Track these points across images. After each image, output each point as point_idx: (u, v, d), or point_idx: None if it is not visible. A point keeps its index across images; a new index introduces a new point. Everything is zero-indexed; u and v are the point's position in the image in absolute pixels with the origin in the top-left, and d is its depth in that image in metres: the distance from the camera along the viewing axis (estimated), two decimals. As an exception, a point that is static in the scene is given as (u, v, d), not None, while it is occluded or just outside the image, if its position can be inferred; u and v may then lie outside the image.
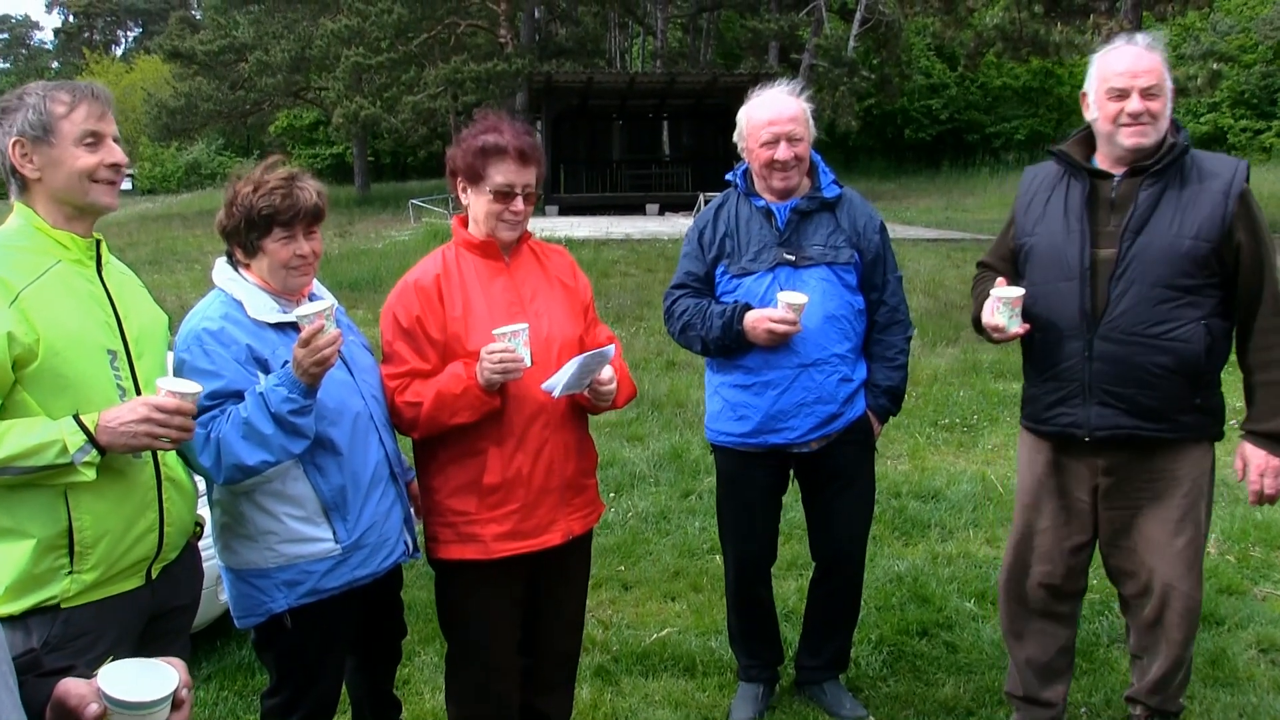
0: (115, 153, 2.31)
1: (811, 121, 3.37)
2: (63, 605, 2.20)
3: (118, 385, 2.26)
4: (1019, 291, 2.99)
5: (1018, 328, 3.00)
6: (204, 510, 2.64)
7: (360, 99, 29.57)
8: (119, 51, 72.90)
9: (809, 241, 3.35)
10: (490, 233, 2.83)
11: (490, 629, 2.90)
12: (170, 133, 37.33)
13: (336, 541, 2.60)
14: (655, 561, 5.05)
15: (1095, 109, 2.99)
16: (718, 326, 3.32)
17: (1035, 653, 3.29)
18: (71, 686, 1.48)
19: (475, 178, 2.79)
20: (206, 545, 2.70)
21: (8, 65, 74.93)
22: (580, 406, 2.90)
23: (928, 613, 4.36)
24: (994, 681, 3.75)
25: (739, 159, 3.50)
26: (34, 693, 1.46)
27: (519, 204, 2.80)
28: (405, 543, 2.82)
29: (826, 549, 3.62)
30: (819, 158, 3.48)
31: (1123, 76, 2.90)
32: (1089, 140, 3.09)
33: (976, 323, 3.17)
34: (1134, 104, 2.88)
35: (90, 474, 2.13)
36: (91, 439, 2.12)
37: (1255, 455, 2.96)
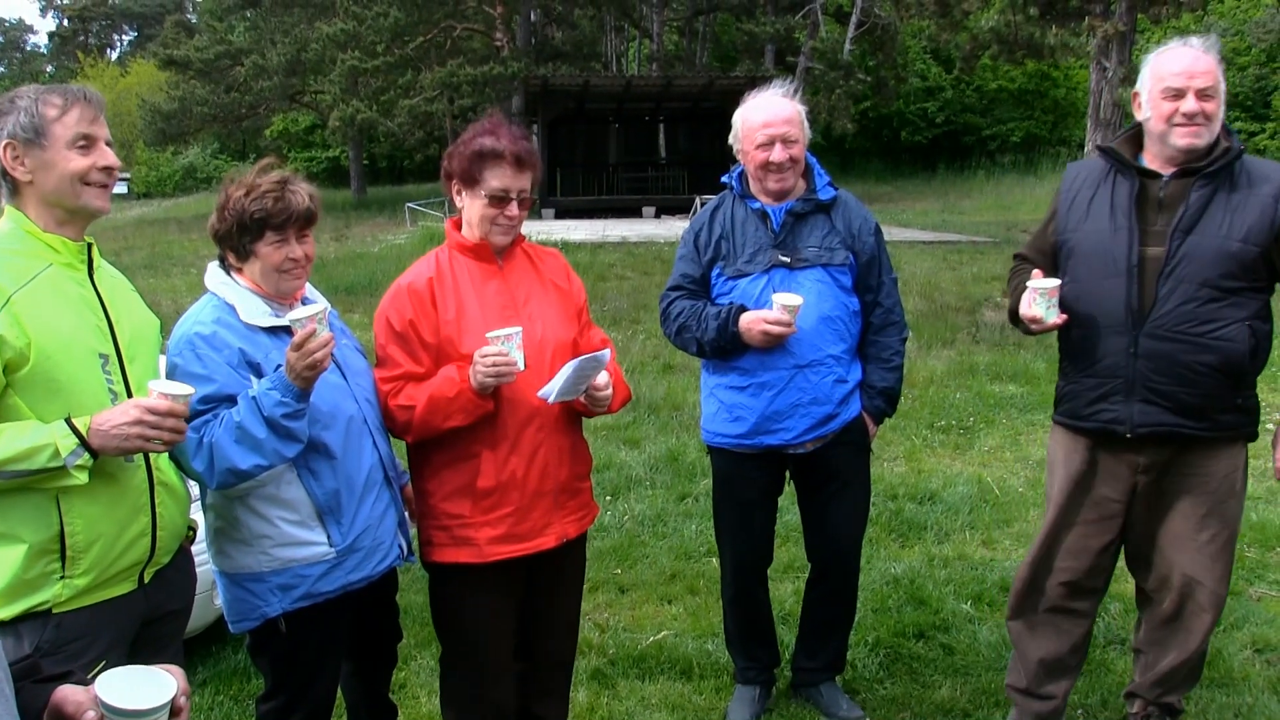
0: (107, 156, 2.30)
1: (806, 124, 3.38)
2: (55, 610, 2.19)
3: (109, 389, 2.25)
4: (1055, 282, 3.00)
5: (1055, 318, 3.00)
6: (197, 514, 2.63)
7: (356, 102, 29.59)
8: (114, 55, 72.86)
9: (804, 243, 3.36)
10: (484, 237, 2.83)
11: (485, 632, 2.89)
12: (165, 137, 37.33)
13: (331, 545, 2.60)
14: (652, 564, 5.05)
15: (1148, 108, 2.99)
16: (713, 328, 3.33)
17: (1048, 648, 3.29)
18: (69, 693, 1.48)
19: (471, 182, 2.79)
20: (200, 550, 2.69)
21: (1, 69, 74.90)
22: (574, 410, 2.89)
23: (924, 615, 4.36)
24: (990, 683, 3.75)
25: (735, 162, 3.51)
26: (31, 699, 1.46)
27: (514, 209, 2.79)
28: (400, 546, 2.82)
29: (823, 551, 3.61)
30: (814, 160, 3.49)
31: (1179, 76, 2.90)
32: (1136, 139, 3.10)
33: (1013, 315, 3.17)
34: (1189, 104, 2.88)
35: (83, 477, 2.13)
36: (84, 442, 2.11)
37: None
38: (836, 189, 3.46)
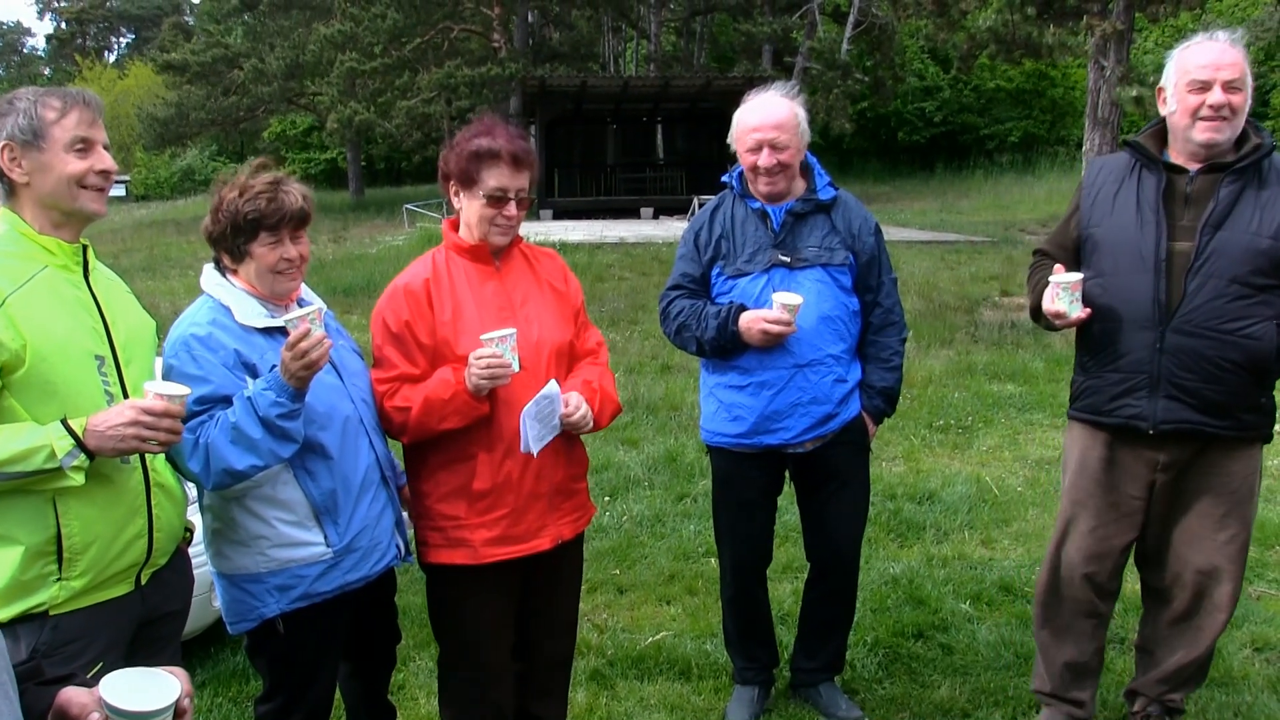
0: (105, 159, 2.31)
1: (803, 126, 3.36)
2: (51, 612, 2.19)
3: (105, 391, 2.25)
4: (1078, 276, 2.99)
5: (1079, 313, 2.99)
6: (194, 516, 2.63)
7: (354, 104, 29.58)
8: (112, 58, 72.83)
9: (804, 243, 3.36)
10: (483, 237, 2.82)
11: (482, 633, 2.89)
12: (163, 141, 37.32)
13: (328, 545, 2.60)
14: (650, 565, 5.05)
15: (1174, 102, 2.97)
16: (713, 327, 3.33)
17: (1074, 652, 3.28)
18: (73, 695, 1.48)
19: (468, 182, 2.78)
20: (198, 552, 2.69)
21: (0, 72, 74.84)
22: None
23: (923, 614, 4.36)
24: (990, 683, 3.75)
25: (733, 162, 3.50)
26: (35, 701, 1.46)
27: (512, 209, 2.79)
28: (397, 546, 2.82)
29: (822, 550, 3.61)
30: (815, 160, 3.49)
31: (1206, 69, 2.88)
32: (1161, 135, 3.08)
33: (1034, 311, 3.16)
34: (1216, 96, 2.86)
35: (79, 478, 2.12)
36: (80, 443, 2.11)
37: None
38: (837, 189, 3.45)
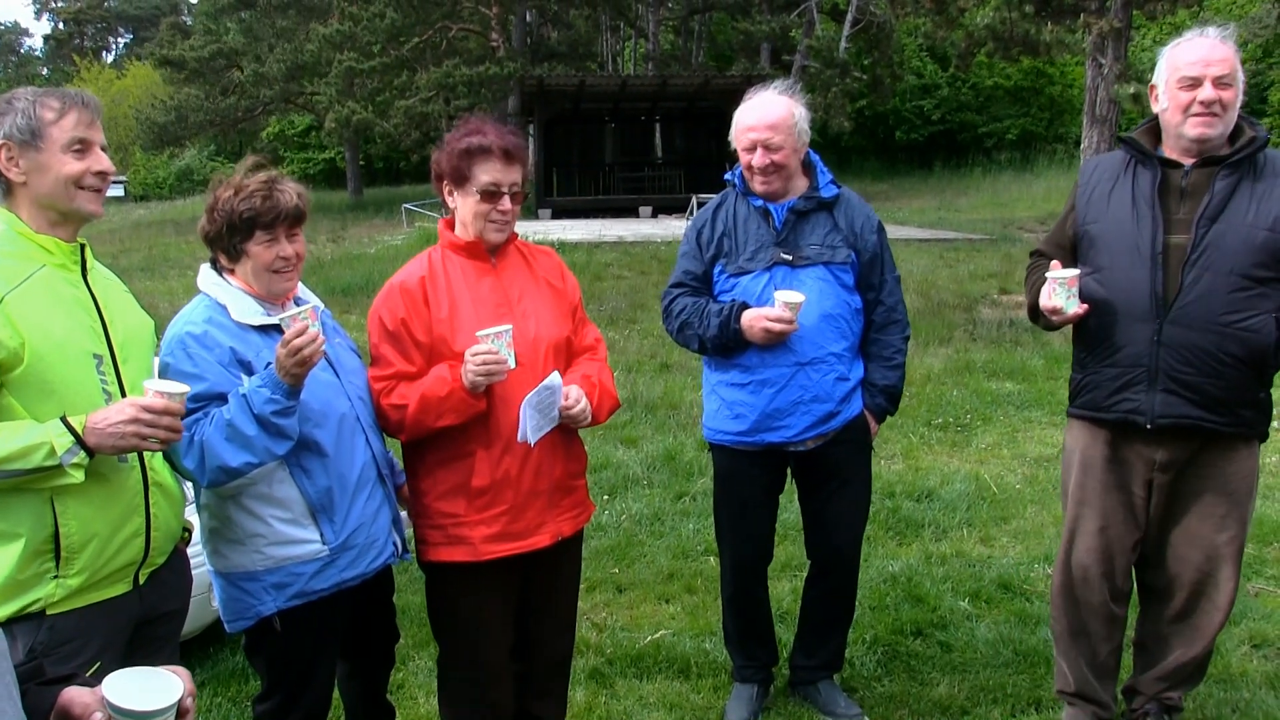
0: (102, 160, 2.31)
1: (802, 126, 3.35)
2: (48, 611, 2.19)
3: (104, 390, 2.26)
4: (1075, 272, 2.99)
5: (1076, 309, 2.99)
6: (192, 516, 2.63)
7: (352, 104, 29.54)
8: (109, 58, 72.75)
9: (806, 241, 3.36)
10: (479, 234, 2.82)
11: (482, 631, 2.89)
12: (161, 143, 37.28)
13: (324, 543, 2.60)
14: (649, 564, 5.05)
15: (1165, 99, 2.98)
16: (715, 325, 3.33)
17: (1095, 652, 3.27)
18: (75, 695, 1.48)
19: (461, 179, 2.79)
20: (197, 552, 2.69)
21: (-3, 72, 74.76)
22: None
23: (922, 612, 4.36)
24: (988, 680, 3.75)
25: (732, 160, 3.50)
26: (37, 701, 1.46)
27: (506, 203, 2.79)
28: (394, 544, 2.82)
29: (822, 548, 3.61)
30: (817, 157, 3.48)
31: (1196, 65, 2.89)
32: (1155, 132, 3.09)
33: (1033, 311, 3.16)
34: (1206, 91, 2.87)
35: (79, 476, 2.13)
36: (79, 440, 2.11)
37: None
38: (839, 187, 3.45)
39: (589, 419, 2.85)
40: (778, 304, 3.20)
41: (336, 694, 2.96)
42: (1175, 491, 3.08)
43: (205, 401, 2.45)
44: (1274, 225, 2.86)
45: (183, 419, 2.29)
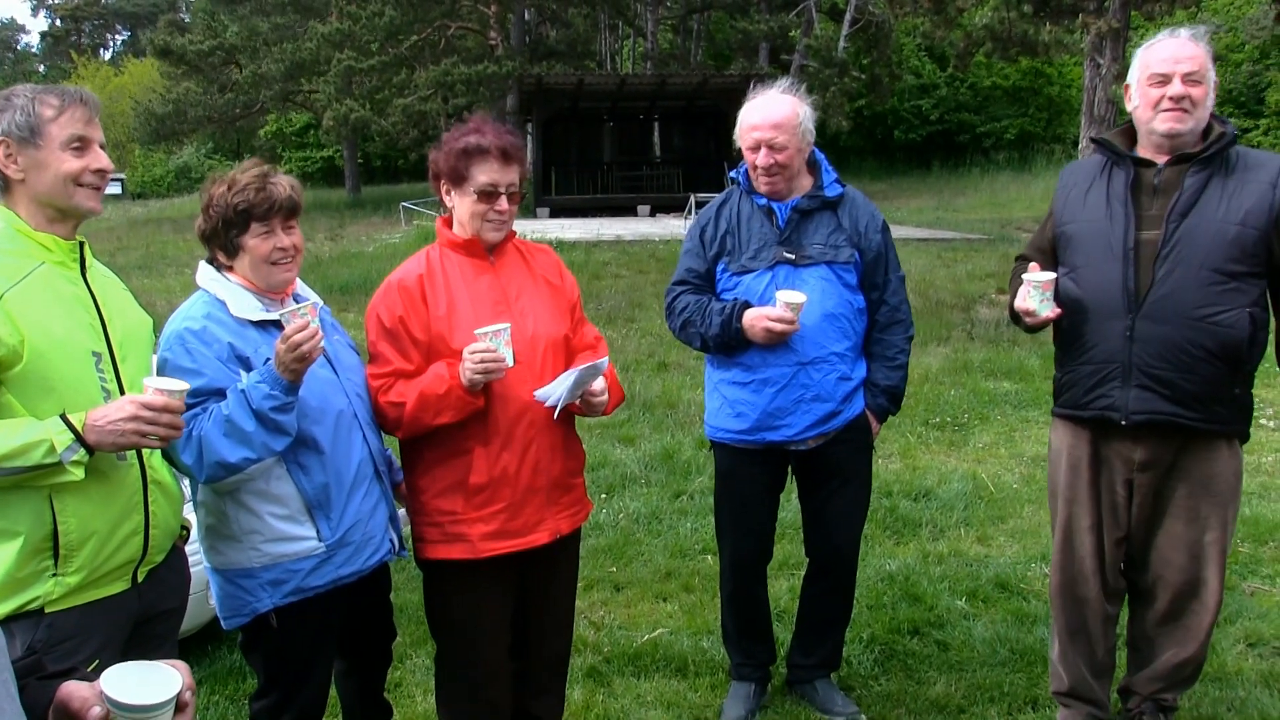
0: (101, 158, 2.31)
1: (807, 125, 3.34)
2: (46, 609, 2.19)
3: (103, 388, 2.26)
4: (1050, 275, 3.01)
5: (1049, 312, 3.01)
6: (190, 514, 2.64)
7: (350, 102, 29.54)
8: (107, 55, 72.67)
9: (809, 240, 3.36)
10: (476, 234, 2.83)
11: (480, 629, 2.89)
12: (159, 137, 37.25)
13: (320, 540, 2.60)
14: (647, 562, 5.05)
15: (1137, 97, 3.01)
16: (717, 324, 3.33)
17: (1091, 652, 3.28)
18: (74, 689, 1.48)
19: (458, 179, 2.79)
20: (195, 550, 2.69)
21: (-6, 69, 74.60)
22: (567, 407, 2.89)
23: (919, 611, 4.36)
24: (985, 679, 3.76)
25: (730, 160, 3.51)
26: (36, 696, 1.46)
27: (503, 203, 2.79)
28: (391, 541, 2.82)
29: (821, 547, 3.62)
30: (822, 156, 3.48)
31: (1165, 62, 2.92)
32: (1130, 133, 3.11)
33: (1014, 314, 3.18)
34: (1175, 87, 2.89)
35: (79, 473, 2.13)
36: (79, 438, 2.12)
37: None
38: (844, 186, 3.45)
39: (600, 411, 2.88)
40: (779, 304, 3.20)
41: (333, 692, 2.96)
42: (1158, 493, 3.07)
43: (204, 397, 2.45)
44: (1244, 219, 2.87)
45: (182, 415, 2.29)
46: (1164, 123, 2.92)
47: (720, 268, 3.44)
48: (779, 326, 3.22)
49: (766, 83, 3.45)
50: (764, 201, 3.39)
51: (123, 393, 2.29)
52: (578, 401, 2.84)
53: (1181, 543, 3.06)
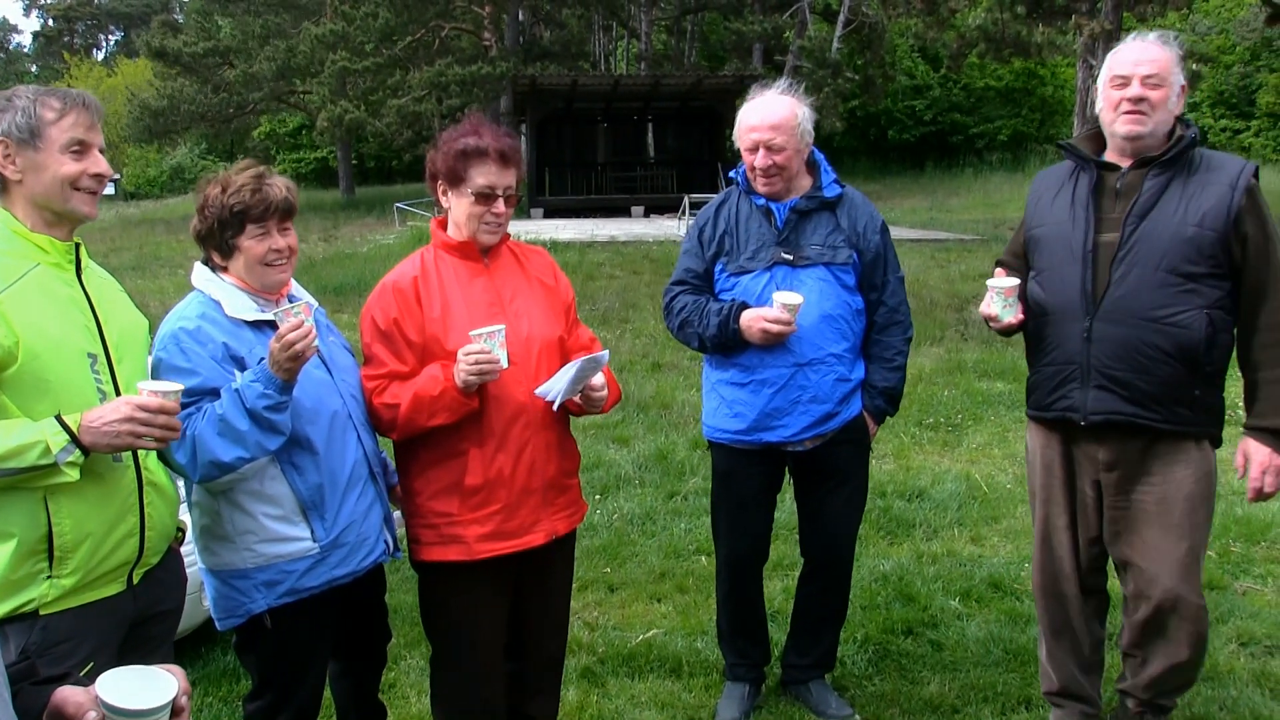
0: (100, 163, 2.32)
1: (805, 126, 3.34)
2: (41, 611, 2.19)
3: (98, 389, 2.26)
4: (1013, 282, 3.05)
5: (1011, 317, 3.06)
6: (185, 515, 2.63)
7: (344, 103, 29.50)
8: (100, 56, 72.45)
9: (807, 241, 3.36)
10: (471, 235, 2.83)
11: (475, 631, 2.90)
12: (152, 134, 37.12)
13: (314, 541, 2.60)
14: (641, 563, 5.06)
15: (1101, 99, 3.04)
16: (714, 324, 3.34)
17: (1081, 648, 3.29)
18: (69, 694, 1.48)
19: (456, 180, 2.79)
20: (190, 551, 2.69)
21: (-14, 68, 74.31)
22: (563, 407, 2.90)
23: (913, 611, 4.37)
24: (979, 679, 3.77)
25: (724, 160, 3.52)
26: (30, 701, 1.46)
27: (500, 206, 2.80)
28: (385, 542, 2.82)
29: (816, 547, 3.63)
30: (822, 156, 3.48)
31: (1126, 65, 2.95)
32: (1100, 137, 3.14)
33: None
34: (1133, 89, 2.92)
35: (74, 474, 2.13)
36: (75, 439, 2.11)
37: (1259, 452, 2.96)
38: (843, 186, 3.45)
39: (599, 408, 2.89)
40: (776, 305, 3.21)
41: (328, 693, 2.96)
42: (1128, 498, 3.06)
43: (198, 396, 2.46)
44: (1202, 221, 2.88)
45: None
46: (1123, 125, 2.95)
47: (718, 268, 3.45)
48: (776, 328, 3.22)
49: (766, 83, 3.45)
50: (762, 202, 3.39)
51: (118, 394, 2.29)
52: (578, 398, 2.85)
53: (1156, 551, 3.03)
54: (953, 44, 23.37)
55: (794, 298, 3.19)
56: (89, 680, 1.50)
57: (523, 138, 27.98)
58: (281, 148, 47.47)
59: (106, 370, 2.30)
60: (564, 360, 2.90)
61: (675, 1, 37.82)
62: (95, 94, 2.38)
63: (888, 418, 3.62)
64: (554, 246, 15.83)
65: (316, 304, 2.70)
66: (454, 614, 2.91)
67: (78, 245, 2.36)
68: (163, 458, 2.47)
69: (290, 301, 2.67)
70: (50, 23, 75.17)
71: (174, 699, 1.49)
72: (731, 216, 3.45)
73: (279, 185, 2.62)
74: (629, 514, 5.73)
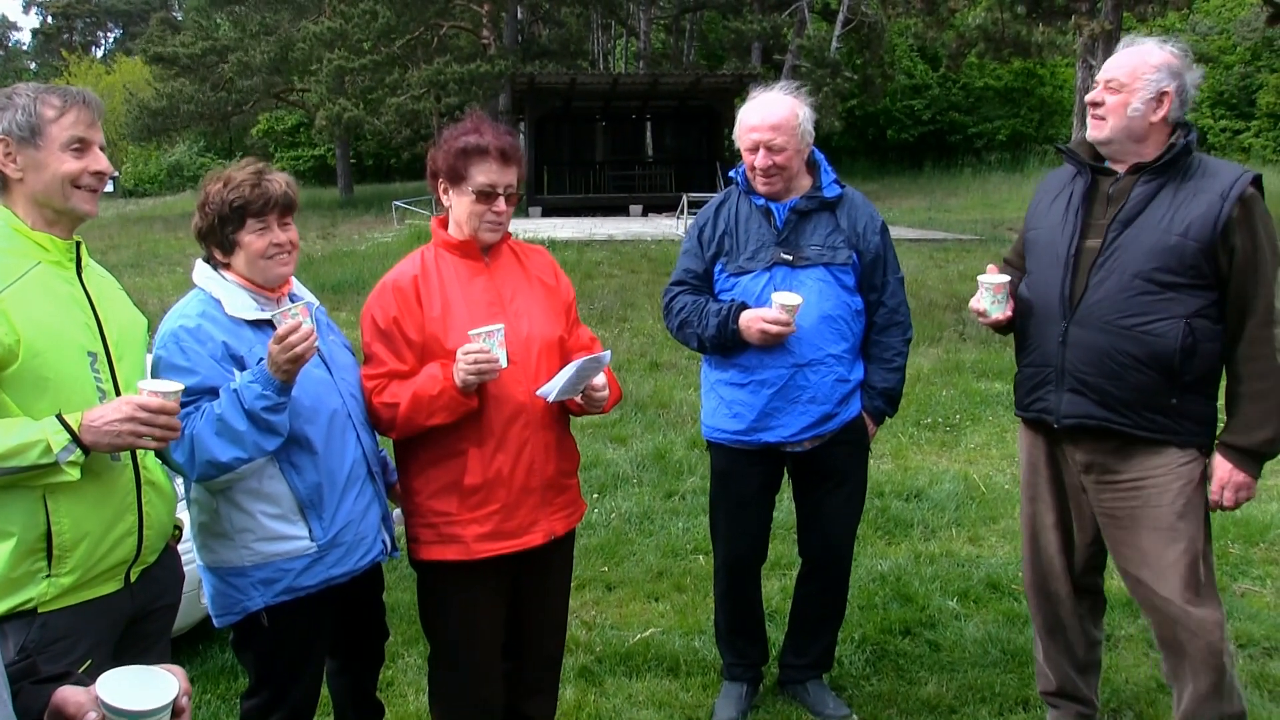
0: (100, 161, 2.31)
1: (806, 127, 3.33)
2: (40, 610, 2.19)
3: (98, 387, 2.26)
4: (1003, 279, 3.07)
5: (999, 314, 3.09)
6: (183, 513, 2.63)
7: (343, 101, 29.48)
8: (98, 53, 72.37)
9: (807, 241, 3.36)
10: (472, 234, 2.83)
11: (472, 630, 2.89)
12: (151, 133, 37.12)
13: (312, 539, 2.60)
14: (639, 562, 5.06)
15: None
16: (713, 325, 3.34)
17: (1075, 647, 3.28)
18: (69, 694, 1.47)
19: (457, 178, 2.79)
20: (187, 549, 2.69)
21: (-15, 66, 74.23)
22: (562, 406, 2.90)
23: (910, 612, 4.37)
24: (976, 679, 3.77)
25: (722, 159, 3.51)
26: (30, 700, 1.46)
27: (501, 204, 2.80)
28: (383, 541, 2.82)
29: (815, 547, 3.63)
30: (822, 157, 3.48)
31: (1099, 72, 3.01)
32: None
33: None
34: (1092, 93, 2.96)
35: (75, 473, 2.12)
36: (75, 438, 2.11)
37: (1221, 467, 2.92)
38: (843, 186, 3.44)
39: (600, 408, 2.89)
40: (775, 306, 3.20)
41: (325, 690, 2.96)
42: (1114, 503, 3.03)
43: (197, 395, 2.45)
44: (1186, 231, 2.83)
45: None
46: (1089, 129, 2.99)
47: (718, 268, 3.45)
48: (774, 328, 3.22)
49: (767, 83, 3.45)
50: (762, 202, 3.39)
51: (118, 393, 2.29)
52: (579, 398, 2.84)
53: (1149, 560, 2.99)
54: (952, 44, 23.40)
55: (793, 298, 3.18)
56: (89, 680, 1.50)
57: (521, 136, 27.96)
58: (280, 145, 47.48)
59: (106, 369, 2.30)
60: (564, 360, 2.89)
61: (674, 0, 37.81)
62: (93, 91, 2.37)
63: (888, 418, 3.61)
64: (552, 245, 15.83)
65: (317, 303, 2.69)
66: (452, 613, 2.91)
67: (78, 243, 2.36)
68: (161, 457, 2.47)
69: (291, 300, 2.66)
70: (49, 20, 75.10)
71: (174, 699, 1.48)
72: (731, 217, 3.44)
73: (279, 180, 2.62)
74: (627, 513, 5.73)
